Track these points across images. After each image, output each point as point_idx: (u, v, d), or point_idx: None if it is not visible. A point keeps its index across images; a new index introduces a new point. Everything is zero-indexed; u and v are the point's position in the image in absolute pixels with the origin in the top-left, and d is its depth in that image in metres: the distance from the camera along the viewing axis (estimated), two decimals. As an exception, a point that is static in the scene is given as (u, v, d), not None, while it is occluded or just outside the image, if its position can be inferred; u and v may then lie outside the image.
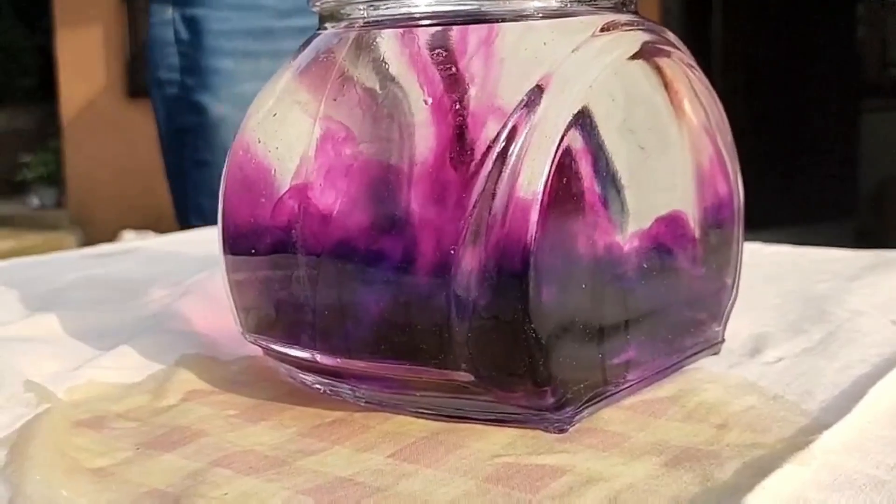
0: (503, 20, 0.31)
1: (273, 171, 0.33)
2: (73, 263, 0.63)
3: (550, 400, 0.29)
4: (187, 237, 0.73)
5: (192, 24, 0.99)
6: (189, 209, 1.05)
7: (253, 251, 0.34)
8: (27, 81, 6.32)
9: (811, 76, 3.47)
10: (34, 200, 5.54)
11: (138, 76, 4.92)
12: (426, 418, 0.31)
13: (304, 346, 0.32)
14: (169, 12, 1.01)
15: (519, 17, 0.31)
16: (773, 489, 0.25)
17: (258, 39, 0.98)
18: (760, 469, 0.26)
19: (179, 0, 1.00)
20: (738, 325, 0.39)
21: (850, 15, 3.83)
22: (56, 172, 5.44)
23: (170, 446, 0.30)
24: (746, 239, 0.38)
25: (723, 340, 0.37)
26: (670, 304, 0.34)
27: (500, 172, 0.29)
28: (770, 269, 0.52)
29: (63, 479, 0.27)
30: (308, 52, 0.34)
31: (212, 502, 0.26)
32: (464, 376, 0.30)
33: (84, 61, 5.18)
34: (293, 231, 0.32)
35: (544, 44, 0.30)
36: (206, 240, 0.66)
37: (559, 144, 0.29)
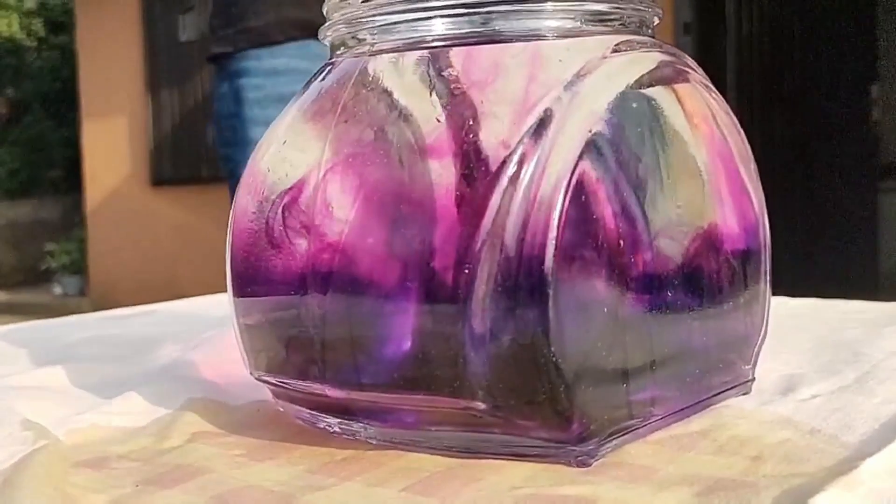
0: (517, 40, 0.30)
1: (283, 203, 0.32)
2: (87, 324, 0.62)
3: (572, 430, 0.28)
4: (203, 301, 0.72)
5: (237, 94, 0.97)
6: None
7: (261, 286, 0.33)
8: (54, 173, 6.43)
9: (827, 158, 3.46)
10: (57, 289, 5.58)
11: (162, 165, 5.00)
12: (441, 455, 0.30)
13: (314, 381, 0.31)
14: (225, 86, 0.99)
15: (533, 36, 0.30)
16: (815, 513, 0.23)
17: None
18: (801, 496, 0.24)
19: (230, 72, 0.98)
20: (769, 368, 0.38)
21: (865, 96, 3.84)
22: (79, 261, 5.49)
23: (171, 483, 0.28)
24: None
25: (753, 379, 0.35)
26: (698, 336, 0.32)
27: (513, 196, 0.28)
28: (798, 320, 0.50)
29: (55, 510, 0.25)
30: (319, 81, 0.33)
31: (211, 533, 0.24)
32: (480, 405, 0.28)
33: (109, 152, 5.27)
34: (302, 261, 0.31)
35: (560, 61, 0.30)
36: (221, 303, 0.65)
37: (574, 168, 0.28)
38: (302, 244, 0.31)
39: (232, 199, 1.14)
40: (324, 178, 0.31)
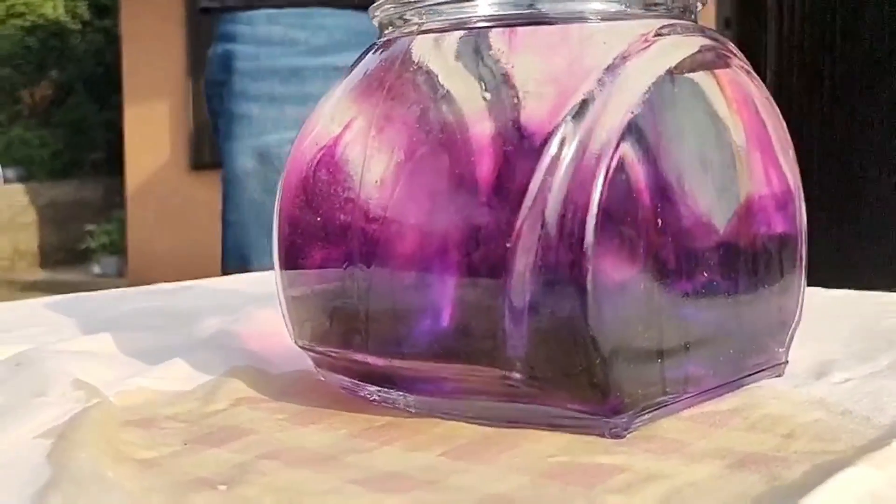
0: (561, 21, 0.31)
1: (331, 180, 0.33)
2: (129, 298, 0.63)
3: (607, 403, 0.28)
4: (241, 278, 0.74)
5: (225, 61, 0.87)
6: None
7: (307, 259, 0.34)
8: (96, 155, 6.51)
9: (867, 156, 3.38)
10: (96, 268, 5.66)
11: (201, 149, 5.05)
12: (479, 424, 0.31)
13: (357, 350, 0.32)
14: (216, 48, 0.89)
15: (577, 18, 0.31)
16: (845, 485, 0.23)
17: (285, 82, 0.85)
18: (831, 472, 0.25)
19: (219, 33, 0.88)
20: (802, 353, 0.38)
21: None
22: (119, 242, 5.56)
23: (217, 442, 0.29)
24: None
25: (786, 362, 0.35)
26: (733, 318, 0.33)
27: (555, 174, 0.28)
28: (833, 309, 0.50)
29: (109, 463, 0.26)
30: (368, 59, 0.34)
31: (258, 488, 0.25)
32: (518, 376, 0.29)
33: (150, 135, 5.33)
34: (348, 234, 0.32)
35: (603, 43, 0.30)
36: (263, 280, 0.66)
37: (615, 149, 0.28)
38: (342, 205, 0.32)
39: (225, 174, 0.92)
40: (369, 155, 0.32)
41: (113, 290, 0.68)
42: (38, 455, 0.27)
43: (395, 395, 0.32)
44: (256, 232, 0.89)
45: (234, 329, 0.45)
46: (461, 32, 0.32)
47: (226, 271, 0.89)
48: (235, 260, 0.89)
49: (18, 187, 5.97)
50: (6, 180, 6.07)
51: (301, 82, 0.86)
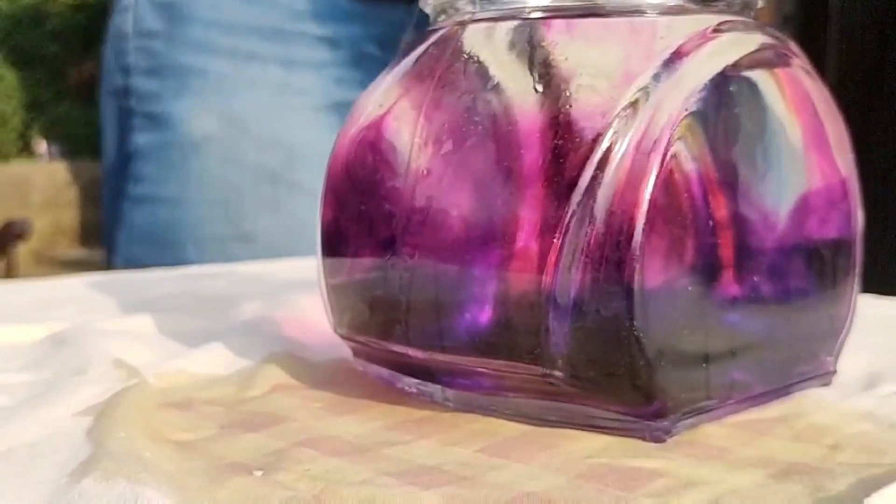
0: (617, 14, 0.30)
1: (377, 169, 0.33)
2: (167, 279, 0.64)
3: (649, 405, 0.28)
4: (278, 264, 0.74)
5: (168, 10, 0.73)
6: (117, 262, 0.78)
7: (350, 248, 0.34)
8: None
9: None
10: (136, 249, 5.70)
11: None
12: (517, 421, 0.30)
13: (397, 341, 0.31)
14: None
15: (634, 11, 0.30)
16: (891, 500, 0.23)
17: (267, 40, 0.75)
18: (878, 485, 0.24)
19: None
20: (852, 363, 0.37)
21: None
22: (158, 223, 5.61)
23: (254, 428, 0.29)
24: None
25: (834, 371, 0.35)
26: (782, 324, 0.32)
27: (606, 169, 0.28)
28: (886, 317, 0.49)
29: (147, 443, 0.26)
30: (417, 49, 0.34)
31: (294, 476, 0.25)
32: (559, 374, 0.28)
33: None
34: (391, 224, 0.31)
35: (660, 38, 0.30)
36: (302, 267, 0.66)
37: (668, 146, 0.28)
38: (387, 194, 0.31)
39: (103, 149, 0.78)
40: (417, 144, 0.31)
41: (152, 270, 0.68)
42: (78, 432, 0.27)
43: (433, 388, 0.32)
44: (206, 210, 0.75)
45: (274, 315, 0.45)
46: (514, 22, 0.31)
47: (128, 256, 0.77)
48: (145, 245, 0.76)
49: (61, 165, 6.05)
50: (51, 156, 6.15)
51: (284, 43, 0.76)
